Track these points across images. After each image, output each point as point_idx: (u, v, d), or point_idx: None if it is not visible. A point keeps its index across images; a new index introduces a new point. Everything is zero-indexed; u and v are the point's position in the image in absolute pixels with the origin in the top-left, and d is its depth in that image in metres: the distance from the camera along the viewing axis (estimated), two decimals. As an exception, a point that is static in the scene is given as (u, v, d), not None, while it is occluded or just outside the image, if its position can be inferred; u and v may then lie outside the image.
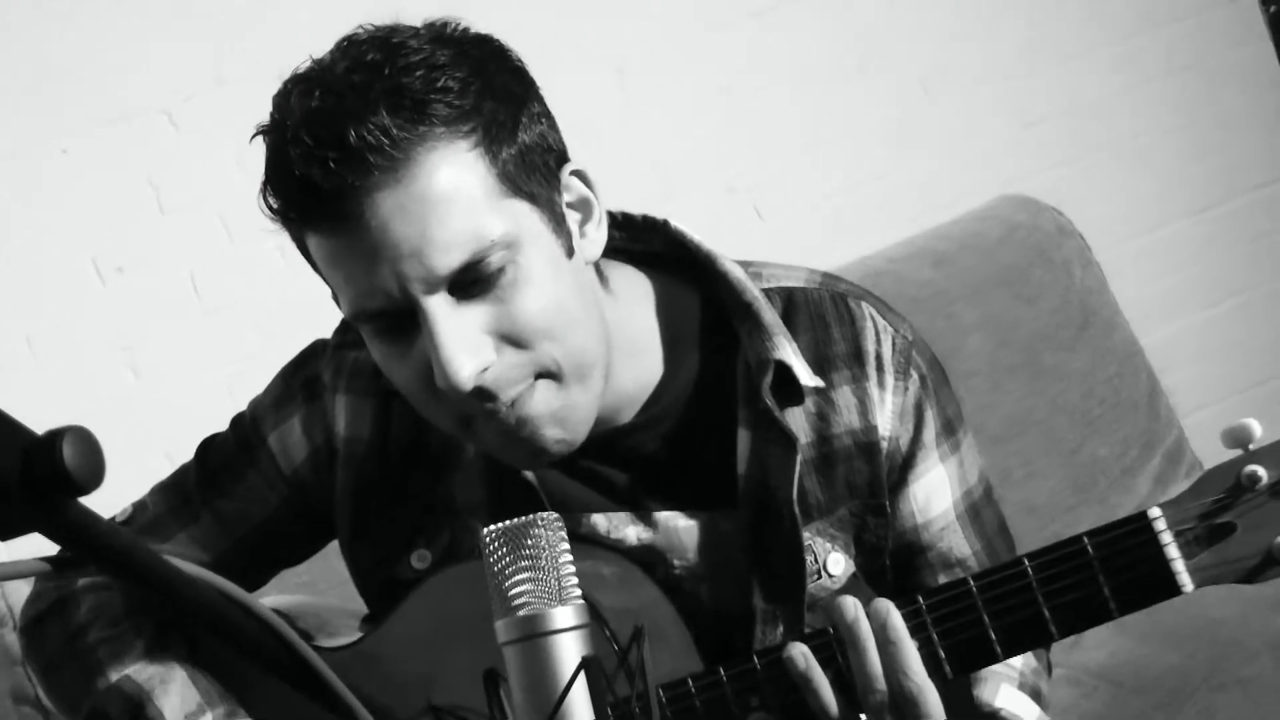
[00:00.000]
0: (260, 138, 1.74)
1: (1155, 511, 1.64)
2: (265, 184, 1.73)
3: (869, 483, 1.93)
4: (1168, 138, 4.31)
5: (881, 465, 1.92)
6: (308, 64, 1.74)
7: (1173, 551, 1.63)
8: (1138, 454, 3.33)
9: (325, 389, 2.03)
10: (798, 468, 1.88)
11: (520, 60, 1.81)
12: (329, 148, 1.64)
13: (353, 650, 1.97)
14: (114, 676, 1.97)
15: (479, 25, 3.72)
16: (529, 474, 1.93)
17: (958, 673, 1.70)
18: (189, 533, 2.08)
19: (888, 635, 1.68)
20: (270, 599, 2.21)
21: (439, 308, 1.68)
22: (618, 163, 3.80)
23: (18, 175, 3.48)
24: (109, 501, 2.14)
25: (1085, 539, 1.66)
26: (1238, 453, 1.65)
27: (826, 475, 1.92)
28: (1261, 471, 1.61)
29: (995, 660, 1.70)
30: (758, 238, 3.92)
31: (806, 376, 1.90)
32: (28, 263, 3.48)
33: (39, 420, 3.23)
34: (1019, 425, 3.27)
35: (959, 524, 1.98)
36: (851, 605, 1.70)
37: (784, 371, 1.89)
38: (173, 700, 1.93)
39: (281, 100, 1.72)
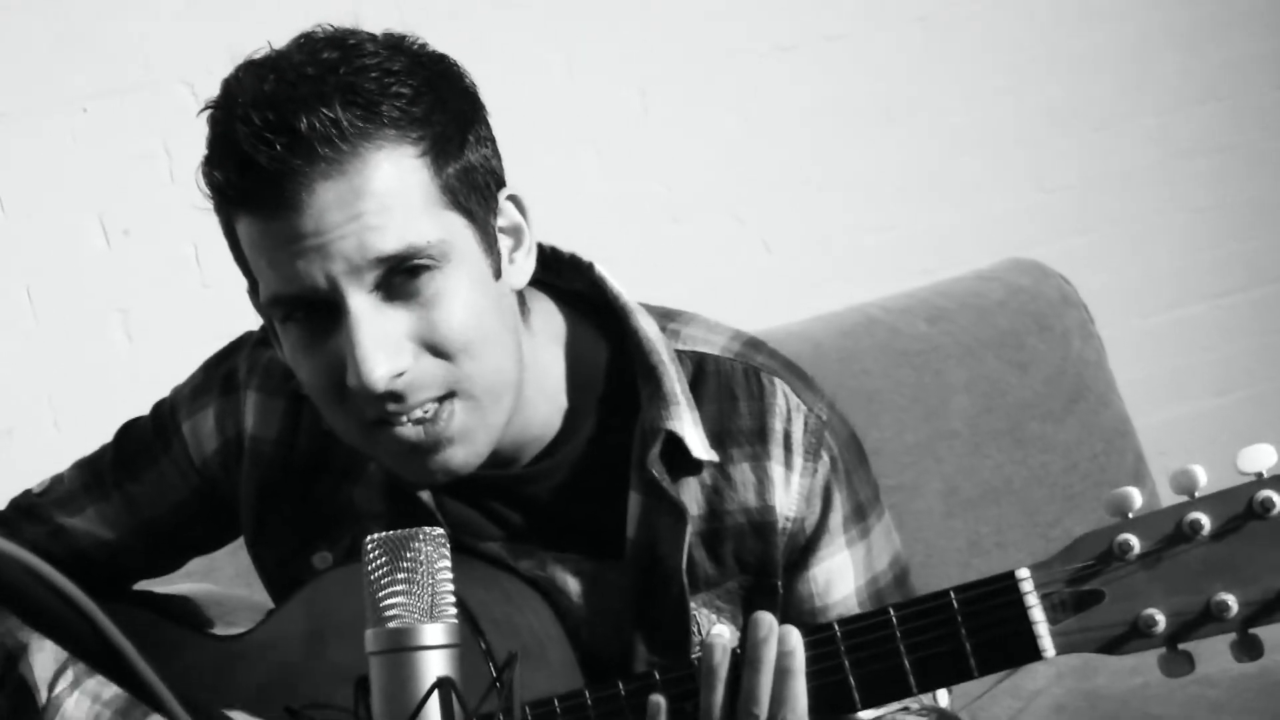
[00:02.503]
0: (207, 114, 1.74)
1: (1024, 572, 1.63)
2: (206, 160, 1.73)
3: (760, 561, 1.90)
4: (1193, 218, 4.27)
5: (776, 546, 1.90)
6: (264, 51, 1.74)
7: (1037, 614, 1.62)
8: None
9: (240, 384, 2.02)
10: (688, 539, 1.87)
11: (473, 83, 1.81)
12: (278, 131, 1.65)
13: (236, 642, 1.97)
14: None
15: (507, 35, 3.74)
16: (428, 499, 1.92)
17: (817, 717, 1.69)
18: (98, 510, 2.08)
19: (786, 663, 1.67)
20: (181, 586, 2.22)
21: (362, 305, 1.69)
22: (631, 180, 3.81)
23: (37, 129, 3.51)
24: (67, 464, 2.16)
25: (952, 594, 1.65)
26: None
27: (714, 550, 1.90)
28: (1134, 540, 1.59)
29: (853, 709, 1.69)
30: (762, 270, 3.92)
31: (701, 450, 1.87)
32: (36, 214, 3.51)
33: (28, 369, 3.26)
34: (995, 493, 3.23)
35: (860, 610, 1.93)
36: (766, 624, 1.67)
37: (677, 441, 1.86)
38: (44, 658, 1.93)
39: (233, 81, 1.73)
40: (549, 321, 1.93)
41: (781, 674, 1.67)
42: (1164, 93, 4.23)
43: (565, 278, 1.98)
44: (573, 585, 1.92)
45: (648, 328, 1.91)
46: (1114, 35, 4.20)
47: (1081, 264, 3.83)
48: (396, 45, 1.75)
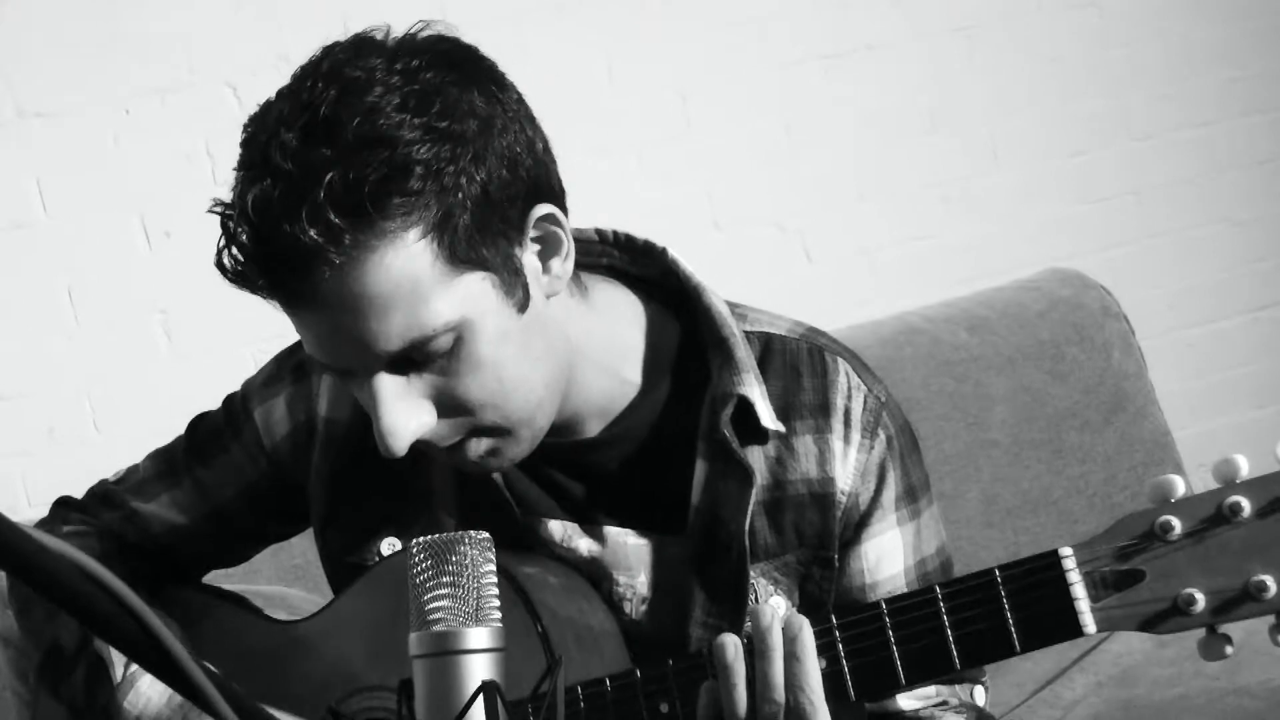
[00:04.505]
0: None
1: (1066, 550, 1.65)
2: (220, 253, 1.72)
3: (819, 534, 1.92)
4: (1235, 230, 4.26)
5: (834, 519, 1.92)
6: (270, 101, 1.73)
7: (1079, 591, 1.64)
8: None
9: (313, 369, 2.04)
10: (752, 502, 1.89)
11: (493, 78, 1.78)
12: (272, 249, 1.66)
13: (296, 626, 2.01)
14: None
15: (549, 42, 3.73)
16: (497, 476, 1.95)
17: (862, 696, 1.73)
18: (170, 496, 2.11)
19: (794, 649, 1.70)
20: (244, 588, 2.24)
21: (381, 384, 1.73)
22: (673, 188, 3.81)
23: (79, 129, 3.52)
24: (123, 461, 2.17)
25: (996, 571, 1.68)
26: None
27: (776, 520, 1.92)
28: (1175, 522, 1.61)
29: (899, 686, 1.74)
30: (803, 279, 3.91)
31: (769, 419, 1.90)
32: (78, 215, 3.52)
33: (69, 370, 3.26)
34: (1034, 502, 3.24)
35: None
36: (768, 613, 1.72)
37: (747, 408, 1.89)
38: None
39: (237, 167, 1.72)
40: (622, 306, 1.95)
41: (790, 660, 1.71)
42: (1207, 105, 4.22)
43: (638, 264, 1.99)
44: (635, 559, 1.94)
45: (719, 305, 1.94)
46: (1157, 47, 4.19)
47: (1123, 275, 3.83)
48: (410, 80, 1.70)
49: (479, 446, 1.80)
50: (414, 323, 1.70)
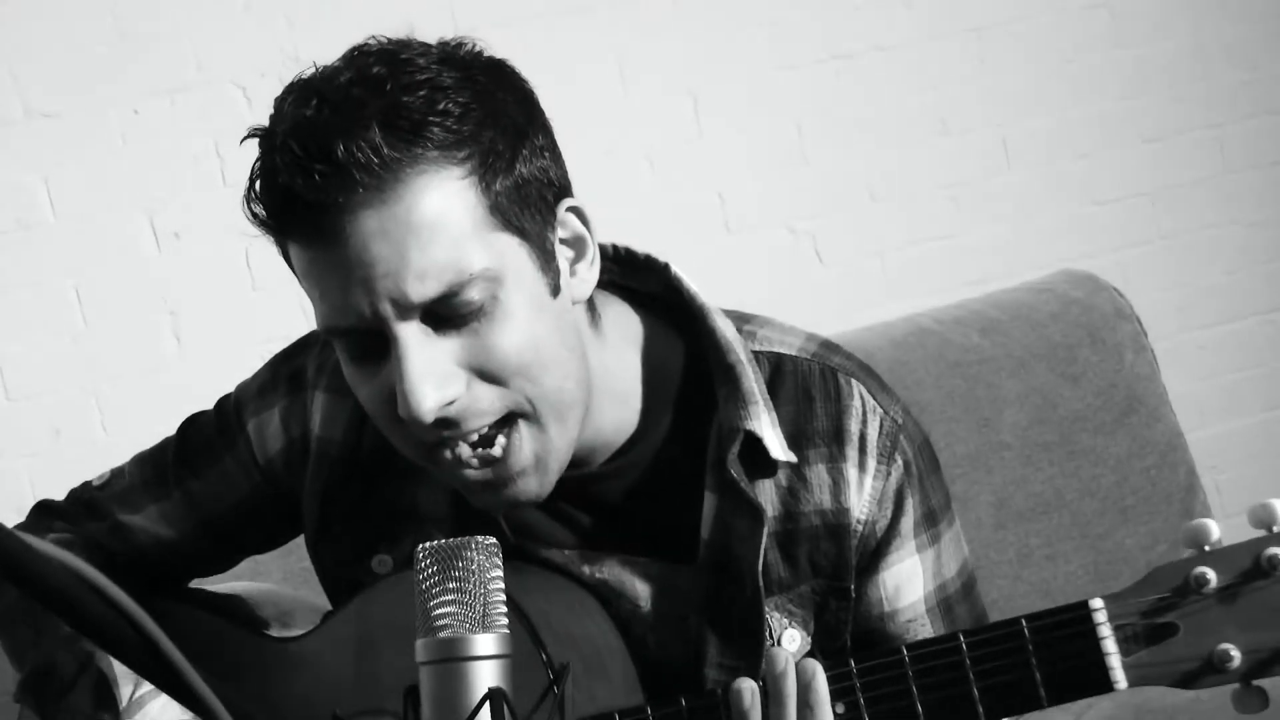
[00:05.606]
0: (254, 140, 1.71)
1: (1097, 603, 1.60)
2: (249, 189, 1.69)
3: (834, 564, 1.88)
4: (1247, 232, 4.25)
5: (849, 548, 1.88)
6: (312, 70, 1.71)
7: (1109, 646, 1.59)
8: (1165, 549, 3.26)
9: (308, 384, 2.00)
10: (765, 540, 1.84)
11: (530, 89, 1.77)
12: (315, 159, 1.61)
13: (290, 644, 1.96)
14: (66, 631, 1.94)
15: (560, 45, 3.73)
16: None
17: None
18: (159, 508, 2.07)
19: (808, 697, 1.65)
20: (239, 584, 2.21)
21: (410, 335, 1.66)
22: (685, 190, 3.80)
23: (89, 130, 3.51)
24: (117, 464, 2.16)
25: (1023, 621, 1.62)
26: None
27: (789, 552, 1.88)
28: (1211, 574, 1.55)
29: None
30: (815, 281, 3.91)
31: (779, 450, 1.85)
32: (87, 216, 3.51)
33: (76, 371, 3.25)
34: (1047, 505, 3.22)
35: (929, 617, 1.93)
36: (782, 658, 1.66)
37: (755, 441, 1.84)
38: None
39: (279, 103, 1.69)
40: (623, 324, 1.90)
41: (803, 708, 1.66)
42: (1219, 106, 4.21)
43: (640, 279, 1.95)
44: (641, 589, 1.90)
45: (725, 328, 1.89)
46: (1169, 48, 4.18)
47: (1135, 277, 3.82)
48: (449, 57, 1.70)
49: (520, 450, 1.73)
50: (453, 261, 1.64)
